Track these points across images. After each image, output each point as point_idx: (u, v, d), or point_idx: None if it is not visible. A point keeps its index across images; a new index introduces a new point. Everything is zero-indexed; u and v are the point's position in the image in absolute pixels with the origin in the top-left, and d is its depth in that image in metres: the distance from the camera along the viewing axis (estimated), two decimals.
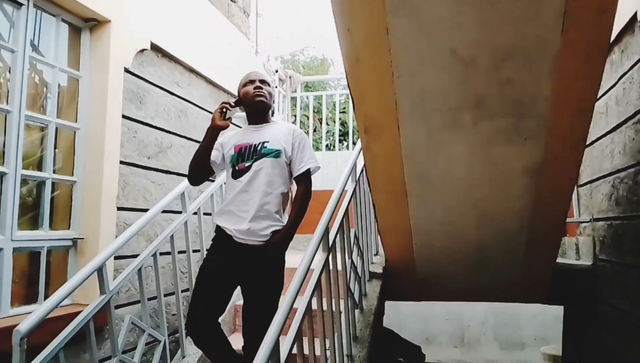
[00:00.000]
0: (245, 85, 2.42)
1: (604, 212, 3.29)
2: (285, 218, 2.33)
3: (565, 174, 2.59)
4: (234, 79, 4.23)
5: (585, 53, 2.05)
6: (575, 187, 3.97)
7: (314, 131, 8.33)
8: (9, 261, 2.28)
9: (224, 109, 2.29)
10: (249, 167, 2.27)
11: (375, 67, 2.24)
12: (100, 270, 2.10)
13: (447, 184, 2.74)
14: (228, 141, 2.39)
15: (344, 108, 7.62)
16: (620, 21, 2.82)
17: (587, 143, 3.59)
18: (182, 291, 2.93)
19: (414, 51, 2.16)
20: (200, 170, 2.37)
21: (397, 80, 2.24)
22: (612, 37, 2.98)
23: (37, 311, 1.80)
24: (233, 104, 2.33)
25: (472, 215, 2.90)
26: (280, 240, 2.26)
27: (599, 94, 3.33)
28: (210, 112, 3.87)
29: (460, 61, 2.15)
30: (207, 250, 2.37)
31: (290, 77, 5.24)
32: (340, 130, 7.32)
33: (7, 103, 2.32)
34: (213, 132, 2.29)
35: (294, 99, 5.42)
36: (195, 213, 3.02)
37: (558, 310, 4.29)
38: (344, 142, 6.96)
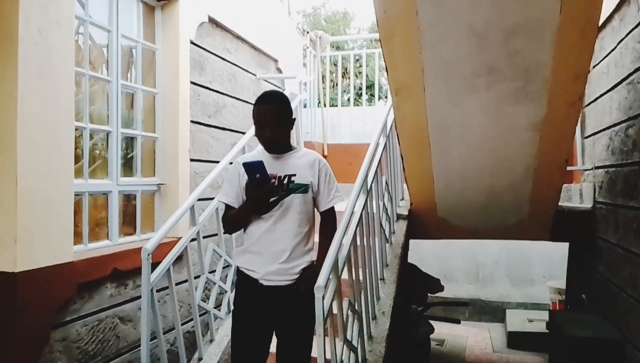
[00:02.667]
0: (255, 123, 2.17)
1: (603, 161, 3.78)
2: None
3: (565, 128, 3.07)
4: (271, 42, 4.72)
5: (579, 28, 2.50)
6: (581, 138, 4.45)
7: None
8: (116, 201, 2.91)
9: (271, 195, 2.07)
10: (275, 203, 2.10)
11: (406, 41, 2.71)
12: (192, 208, 2.71)
13: (464, 138, 3.25)
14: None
15: (367, 63, 8.03)
16: None
17: (592, 99, 4.06)
18: None
19: (438, 28, 2.63)
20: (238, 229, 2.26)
21: (424, 51, 2.72)
22: (613, 7, 3.39)
23: (155, 236, 2.42)
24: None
25: (486, 163, 3.41)
26: (314, 279, 2.04)
27: (602, 56, 3.76)
28: (253, 74, 4.45)
29: (476, 36, 2.62)
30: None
31: (320, 38, 5.67)
32: (365, 84, 7.77)
33: (108, 74, 2.88)
34: (255, 211, 2.12)
35: (322, 57, 5.89)
36: None
37: (565, 250, 4.85)
38: (368, 94, 7.32)
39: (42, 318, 2.30)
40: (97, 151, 2.92)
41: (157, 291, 2.82)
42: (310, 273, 2.12)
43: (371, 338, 2.88)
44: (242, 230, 2.21)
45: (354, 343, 2.52)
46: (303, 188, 2.14)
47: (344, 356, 2.36)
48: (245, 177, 2.05)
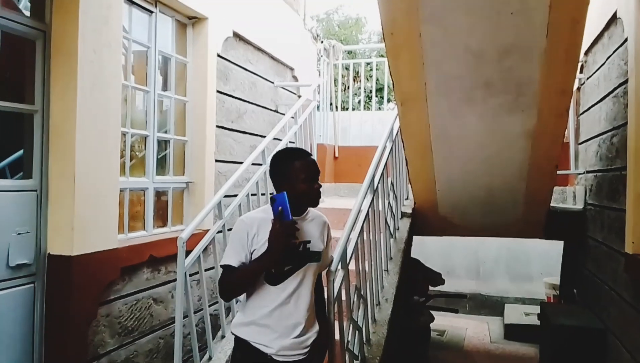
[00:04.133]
0: (302, 178, 1.95)
1: (593, 166, 4.09)
2: None
3: (554, 137, 3.38)
4: (287, 52, 5.07)
5: (564, 51, 2.82)
6: (576, 144, 4.76)
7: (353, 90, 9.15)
8: (152, 197, 3.29)
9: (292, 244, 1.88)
10: (290, 272, 1.93)
11: (410, 59, 3.05)
12: (219, 204, 3.08)
13: (463, 144, 3.58)
14: (257, 231, 1.91)
15: (377, 67, 8.37)
16: (606, 14, 3.53)
17: (586, 108, 4.37)
18: None
19: (438, 47, 2.96)
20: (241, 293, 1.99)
21: (426, 68, 3.06)
22: (603, 25, 3.70)
23: (189, 227, 2.79)
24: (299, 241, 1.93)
25: (483, 168, 3.74)
26: (325, 351, 2.13)
27: (595, 69, 4.07)
28: (272, 82, 4.80)
29: (473, 54, 2.95)
30: None
31: (333, 47, 6.03)
32: (375, 87, 8.09)
33: (147, 85, 3.26)
34: (270, 267, 1.90)
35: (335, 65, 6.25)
36: None
37: (561, 249, 5.17)
38: (378, 97, 7.67)
39: (92, 296, 2.68)
40: (135, 152, 3.30)
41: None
42: (322, 344, 2.07)
43: (375, 321, 3.23)
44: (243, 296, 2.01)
45: (359, 323, 2.89)
46: (317, 256, 2.00)
47: (350, 335, 2.72)
48: (259, 236, 1.88)
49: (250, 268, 1.88)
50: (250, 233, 1.90)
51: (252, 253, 1.90)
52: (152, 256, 3.10)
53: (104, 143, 2.70)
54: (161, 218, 3.47)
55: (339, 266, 2.54)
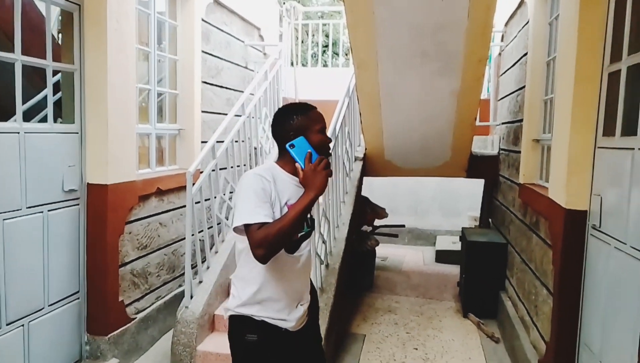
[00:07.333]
0: (319, 129, 1.85)
1: (505, 118, 5.14)
2: None
3: (473, 96, 4.34)
4: (255, 13, 5.72)
5: (481, 28, 3.72)
6: (495, 101, 5.80)
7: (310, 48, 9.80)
8: (154, 141, 4.00)
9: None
10: (303, 238, 1.87)
11: (365, 31, 3.86)
12: (213, 147, 3.83)
13: (405, 101, 4.48)
14: (274, 188, 1.77)
15: (328, 26, 9.04)
16: None
17: (503, 71, 5.37)
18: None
19: (387, 23, 3.78)
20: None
21: (378, 38, 3.89)
22: (516, 5, 4.64)
23: (194, 163, 3.54)
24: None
25: (420, 120, 4.68)
26: (317, 312, 2.17)
27: (510, 40, 5.04)
28: (242, 42, 5.48)
29: (414, 29, 3.80)
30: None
31: (294, 8, 6.69)
32: (327, 43, 8.78)
33: (148, 46, 3.90)
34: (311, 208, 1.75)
35: (296, 25, 6.91)
36: (248, 116, 4.68)
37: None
38: (332, 52, 8.40)
39: (121, 216, 3.43)
40: (141, 103, 3.97)
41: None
42: (314, 305, 2.09)
43: (335, 238, 4.18)
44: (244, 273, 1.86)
45: (325, 238, 3.81)
46: (313, 221, 1.96)
47: (319, 246, 3.64)
48: (279, 194, 1.76)
49: (296, 208, 1.68)
50: (272, 189, 1.75)
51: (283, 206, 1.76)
52: (159, 189, 3.85)
53: (125, 95, 3.37)
54: (159, 159, 4.19)
55: None
